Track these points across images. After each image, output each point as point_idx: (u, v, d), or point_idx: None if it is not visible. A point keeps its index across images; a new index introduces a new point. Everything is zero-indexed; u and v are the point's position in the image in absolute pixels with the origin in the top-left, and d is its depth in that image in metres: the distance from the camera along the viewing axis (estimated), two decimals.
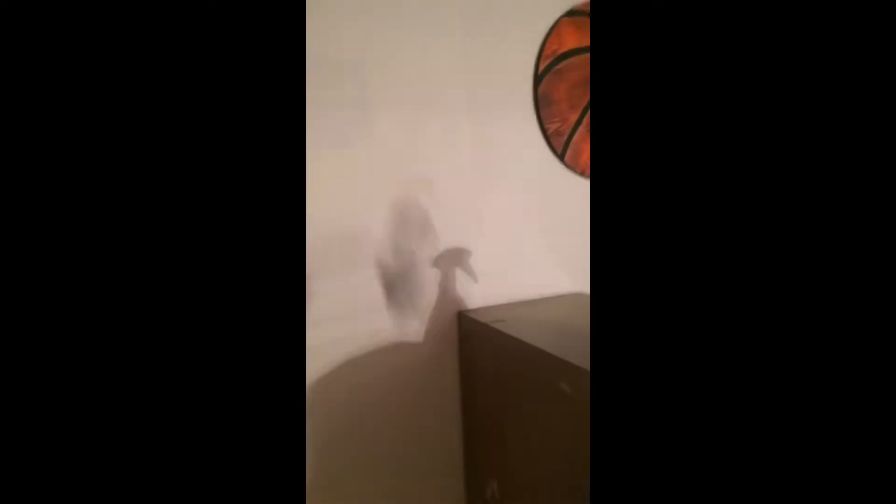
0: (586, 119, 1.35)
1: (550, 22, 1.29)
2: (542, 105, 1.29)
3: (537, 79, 1.28)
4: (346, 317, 1.14)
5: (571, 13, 1.30)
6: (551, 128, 1.31)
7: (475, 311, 1.25)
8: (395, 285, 1.19)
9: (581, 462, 0.83)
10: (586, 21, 1.32)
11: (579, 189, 1.39)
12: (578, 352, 0.88)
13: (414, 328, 1.22)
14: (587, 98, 1.35)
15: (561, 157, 1.34)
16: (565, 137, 1.33)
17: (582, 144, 1.36)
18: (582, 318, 1.13)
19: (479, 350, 1.18)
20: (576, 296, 1.38)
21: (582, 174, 1.38)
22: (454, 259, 1.25)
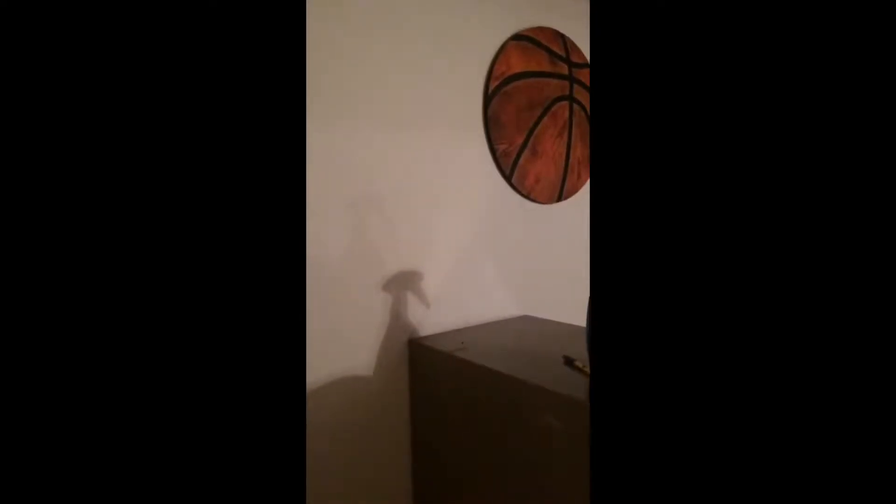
0: (530, 142, 1.36)
1: (498, 44, 1.29)
2: (491, 126, 1.27)
3: (487, 99, 1.26)
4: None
5: (517, 37, 1.31)
6: (500, 148, 1.30)
7: (428, 338, 1.17)
8: (345, 313, 1.07)
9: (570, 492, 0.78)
10: (530, 46, 1.34)
11: (525, 211, 1.39)
12: (559, 380, 0.84)
13: (363, 360, 1.10)
14: (531, 121, 1.36)
15: (508, 178, 1.33)
16: (512, 159, 1.33)
17: (527, 167, 1.36)
18: (543, 343, 1.10)
19: (433, 381, 1.09)
20: (524, 318, 1.36)
21: (528, 196, 1.38)
22: (405, 283, 1.16)
